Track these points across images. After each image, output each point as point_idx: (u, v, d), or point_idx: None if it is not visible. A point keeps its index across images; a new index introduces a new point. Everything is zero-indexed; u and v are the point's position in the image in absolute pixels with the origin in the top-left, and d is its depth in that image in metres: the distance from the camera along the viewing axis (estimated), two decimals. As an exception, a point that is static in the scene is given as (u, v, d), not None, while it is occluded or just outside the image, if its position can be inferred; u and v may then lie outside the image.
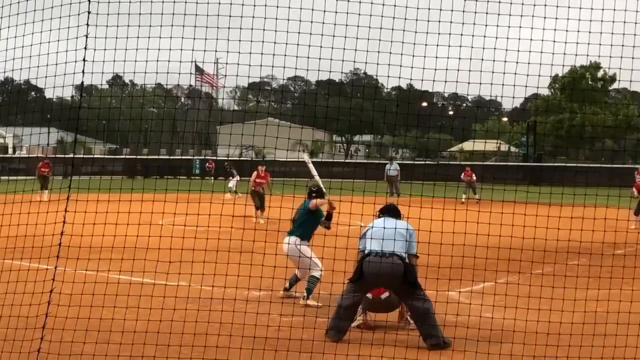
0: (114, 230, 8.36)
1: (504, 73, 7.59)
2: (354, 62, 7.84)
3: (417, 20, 7.36)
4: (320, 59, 7.53)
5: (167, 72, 7.58)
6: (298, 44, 7.31)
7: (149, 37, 7.26)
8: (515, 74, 7.69)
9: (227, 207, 10.27)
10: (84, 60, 6.62)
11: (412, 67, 7.59)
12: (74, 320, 7.62)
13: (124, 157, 60.87)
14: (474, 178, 33.28)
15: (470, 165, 34.91)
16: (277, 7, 6.97)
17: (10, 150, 63.80)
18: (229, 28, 7.29)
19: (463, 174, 33.11)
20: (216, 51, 7.85)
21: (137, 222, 8.76)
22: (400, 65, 7.60)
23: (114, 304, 8.13)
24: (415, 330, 8.20)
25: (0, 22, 7.12)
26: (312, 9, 7.15)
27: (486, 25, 7.42)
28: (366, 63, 7.66)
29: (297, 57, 7.36)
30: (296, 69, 7.87)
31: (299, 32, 7.13)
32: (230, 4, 7.00)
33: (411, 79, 7.79)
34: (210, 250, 8.17)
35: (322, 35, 7.23)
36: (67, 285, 7.86)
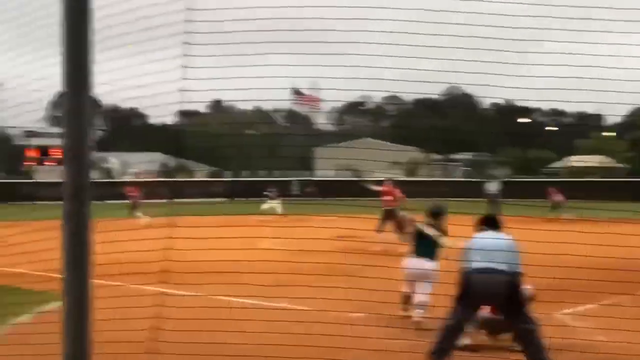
0: (218, 254, 8.48)
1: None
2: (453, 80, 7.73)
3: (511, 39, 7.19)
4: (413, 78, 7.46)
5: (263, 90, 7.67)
6: (395, 56, 7.23)
7: (245, 61, 7.38)
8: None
9: (330, 229, 10.29)
10: (183, 86, 6.77)
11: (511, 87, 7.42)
12: (181, 344, 7.76)
13: (224, 179, 62.15)
14: (561, 197, 32.63)
15: (564, 181, 34.01)
16: (368, 29, 6.95)
17: (116, 175, 66.22)
18: (322, 47, 7.32)
19: (551, 193, 32.43)
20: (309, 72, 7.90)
21: (240, 245, 8.86)
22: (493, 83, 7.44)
23: (221, 327, 8.21)
24: (520, 352, 7.93)
25: (108, 53, 7.40)
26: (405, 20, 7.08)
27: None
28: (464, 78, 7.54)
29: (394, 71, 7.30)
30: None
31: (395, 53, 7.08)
32: (322, 26, 7.04)
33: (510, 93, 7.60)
34: (312, 273, 8.19)
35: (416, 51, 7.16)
36: (175, 310, 7.99)
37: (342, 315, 9.32)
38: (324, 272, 8.42)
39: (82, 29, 3.17)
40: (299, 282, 8.44)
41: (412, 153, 60.36)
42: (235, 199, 45.52)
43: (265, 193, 33.86)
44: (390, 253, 8.75)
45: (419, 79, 7.49)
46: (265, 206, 32.59)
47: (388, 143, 62.87)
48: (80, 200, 3.15)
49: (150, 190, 32.87)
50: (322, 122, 73.64)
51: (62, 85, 3.17)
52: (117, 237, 8.41)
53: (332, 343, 7.75)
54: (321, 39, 7.26)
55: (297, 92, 58.31)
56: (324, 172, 58.81)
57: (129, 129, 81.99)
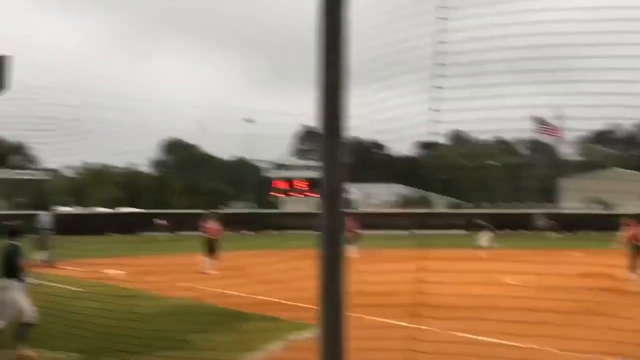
0: (465, 289, 8.33)
1: None
2: None
3: None
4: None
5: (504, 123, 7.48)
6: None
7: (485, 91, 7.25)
8: None
9: (577, 265, 9.77)
10: (427, 118, 6.78)
11: None
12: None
13: (464, 211, 61.51)
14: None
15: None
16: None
17: (358, 206, 68.08)
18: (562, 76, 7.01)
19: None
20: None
21: (480, 280, 8.67)
22: None
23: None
24: None
25: (356, 89, 7.63)
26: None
27: None
28: None
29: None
30: None
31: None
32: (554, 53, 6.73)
33: None
34: (562, 312, 7.79)
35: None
36: (424, 344, 7.96)
37: (598, 358, 8.74)
38: (572, 311, 7.96)
39: (337, 77, 3.31)
40: (546, 320, 8.06)
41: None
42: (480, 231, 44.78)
43: (480, 224, 32.56)
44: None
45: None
46: (483, 240, 30.92)
47: (639, 173, 58.76)
48: (335, 242, 3.27)
49: (389, 221, 33.49)
50: (567, 152, 70.61)
51: (319, 130, 3.32)
52: (365, 269, 8.56)
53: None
54: (567, 66, 6.96)
55: (540, 122, 56.49)
56: (569, 204, 56.20)
57: (371, 160, 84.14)
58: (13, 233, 10.50)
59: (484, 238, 30.91)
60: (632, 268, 17.49)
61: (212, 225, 23.70)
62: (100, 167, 79.48)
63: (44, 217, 25.59)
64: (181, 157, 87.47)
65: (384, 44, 7.04)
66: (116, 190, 77.17)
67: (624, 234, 18.14)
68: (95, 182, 78.73)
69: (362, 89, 7.16)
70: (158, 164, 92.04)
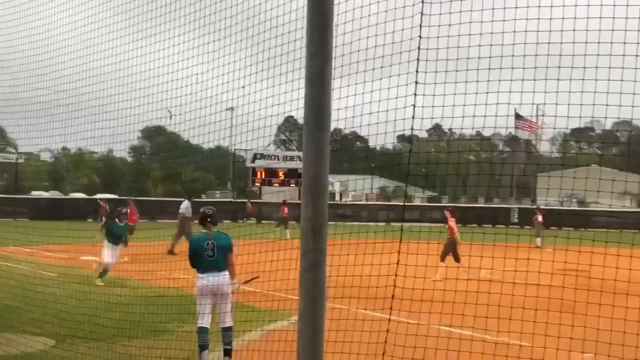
0: (443, 283, 8.42)
1: None
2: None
3: None
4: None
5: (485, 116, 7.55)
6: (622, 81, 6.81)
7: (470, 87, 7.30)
8: None
9: (553, 262, 9.87)
10: (413, 107, 6.81)
11: None
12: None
13: (440, 204, 61.78)
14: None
15: None
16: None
17: (337, 197, 68.16)
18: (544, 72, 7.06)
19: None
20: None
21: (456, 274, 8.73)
22: None
23: (441, 357, 8.11)
24: None
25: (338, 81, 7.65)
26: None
27: None
28: None
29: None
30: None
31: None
32: (548, 51, 6.78)
33: None
34: (536, 308, 7.89)
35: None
36: (400, 337, 8.02)
37: (568, 355, 8.87)
38: (548, 308, 8.06)
39: (323, 68, 3.32)
40: (520, 316, 8.15)
41: (643, 182, 56.34)
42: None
43: None
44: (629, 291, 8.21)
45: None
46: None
47: (617, 171, 59.34)
48: (318, 236, 3.29)
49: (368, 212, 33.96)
50: (545, 148, 71.16)
51: (303, 122, 3.33)
52: (344, 261, 8.60)
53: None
54: (550, 64, 7.02)
55: (518, 117, 56.83)
56: (546, 200, 56.60)
57: (350, 151, 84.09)
58: None
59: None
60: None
61: (132, 209, 25.20)
62: (78, 152, 78.85)
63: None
64: (161, 144, 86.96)
65: (369, 37, 7.07)
66: (94, 176, 76.72)
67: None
68: (73, 167, 78.18)
69: (346, 81, 7.19)
70: (138, 150, 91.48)
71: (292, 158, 56.86)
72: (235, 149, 58.26)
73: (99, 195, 54.41)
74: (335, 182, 70.07)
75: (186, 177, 78.99)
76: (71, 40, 11.03)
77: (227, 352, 9.81)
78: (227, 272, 10.03)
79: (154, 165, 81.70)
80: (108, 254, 18.59)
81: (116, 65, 10.40)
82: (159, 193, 70.83)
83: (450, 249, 20.67)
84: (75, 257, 20.14)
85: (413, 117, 6.53)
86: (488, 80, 7.14)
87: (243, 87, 8.56)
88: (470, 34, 6.74)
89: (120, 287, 14.41)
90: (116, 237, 19.03)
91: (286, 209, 38.00)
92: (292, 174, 53.98)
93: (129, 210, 23.50)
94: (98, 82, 10.75)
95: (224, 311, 9.93)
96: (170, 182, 74.70)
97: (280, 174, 56.03)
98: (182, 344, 9.79)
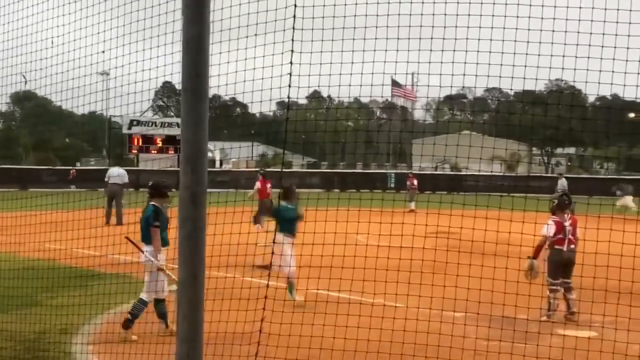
0: (317, 248, 8.56)
1: None
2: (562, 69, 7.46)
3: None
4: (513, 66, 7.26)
5: (361, 85, 7.69)
6: (491, 52, 7.08)
7: (347, 53, 7.39)
8: None
9: (426, 225, 10.20)
10: (289, 75, 6.82)
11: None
12: (285, 337, 7.91)
13: (322, 170, 62.65)
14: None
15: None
16: (469, 15, 6.81)
17: (217, 164, 67.61)
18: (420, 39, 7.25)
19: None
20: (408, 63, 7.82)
21: (338, 240, 8.88)
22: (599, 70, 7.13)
23: (318, 321, 8.27)
24: None
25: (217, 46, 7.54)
26: (505, 16, 6.90)
27: None
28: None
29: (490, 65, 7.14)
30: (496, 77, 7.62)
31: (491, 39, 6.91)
32: (422, 14, 6.95)
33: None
34: (410, 270, 8.16)
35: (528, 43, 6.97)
36: (279, 303, 8.11)
37: (440, 314, 9.25)
38: (421, 270, 8.36)
39: (201, 33, 3.26)
40: (396, 279, 8.41)
41: (512, 147, 58.99)
42: (333, 190, 45.72)
43: None
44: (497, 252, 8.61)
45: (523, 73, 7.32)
46: None
47: (487, 137, 61.66)
48: (197, 205, 3.27)
49: (247, 180, 33.89)
50: (420, 114, 73.10)
51: (182, 92, 3.27)
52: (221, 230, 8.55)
53: (431, 342, 7.74)
54: (424, 34, 7.20)
55: (395, 84, 58.05)
56: (421, 165, 58.28)
57: (229, 118, 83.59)
58: None
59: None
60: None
61: None
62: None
63: None
64: (31, 109, 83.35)
65: (249, 2, 7.01)
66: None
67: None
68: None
69: (226, 47, 7.11)
70: (6, 116, 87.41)
71: (170, 125, 55.67)
72: (110, 115, 56.51)
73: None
74: (215, 150, 69.47)
75: (58, 144, 76.18)
76: None
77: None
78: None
79: (23, 132, 78.31)
80: None
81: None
82: (31, 161, 67.93)
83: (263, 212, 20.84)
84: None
85: (289, 86, 6.56)
86: (363, 50, 7.26)
87: (103, 52, 8.33)
88: (345, 4, 6.82)
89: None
90: None
91: None
92: (170, 140, 52.94)
93: None
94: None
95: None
96: (42, 150, 71.78)
97: (159, 140, 54.84)
98: (55, 318, 9.53)
